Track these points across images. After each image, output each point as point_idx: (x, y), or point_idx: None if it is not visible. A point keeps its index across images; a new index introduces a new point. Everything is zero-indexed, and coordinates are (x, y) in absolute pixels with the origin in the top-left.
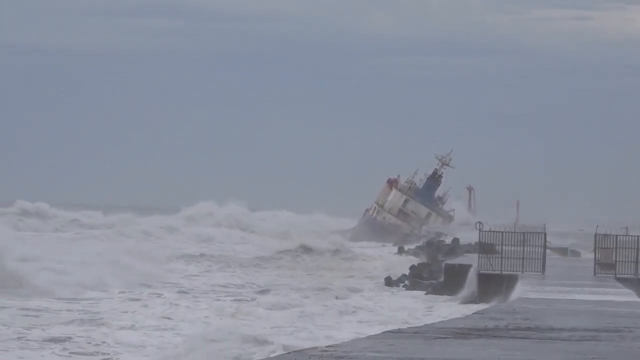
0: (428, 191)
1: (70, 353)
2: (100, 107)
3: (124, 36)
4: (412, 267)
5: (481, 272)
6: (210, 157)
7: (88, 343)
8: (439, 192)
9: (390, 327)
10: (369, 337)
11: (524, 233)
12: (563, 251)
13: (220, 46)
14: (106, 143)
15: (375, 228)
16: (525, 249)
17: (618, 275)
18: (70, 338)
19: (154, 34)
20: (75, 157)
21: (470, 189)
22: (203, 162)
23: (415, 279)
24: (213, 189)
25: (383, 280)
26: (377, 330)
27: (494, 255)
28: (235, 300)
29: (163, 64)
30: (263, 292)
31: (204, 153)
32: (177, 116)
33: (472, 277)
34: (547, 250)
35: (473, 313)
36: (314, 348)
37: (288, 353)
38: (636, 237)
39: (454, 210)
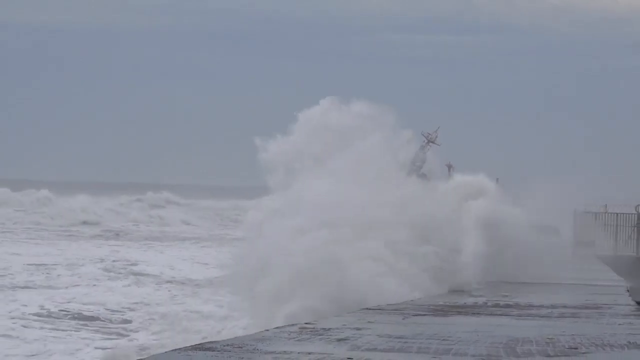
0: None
1: None
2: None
3: (108, 13)
4: None
5: None
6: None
7: None
8: (424, 169)
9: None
10: (348, 314)
11: None
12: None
13: (206, 23)
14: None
15: None
16: None
17: (597, 253)
18: None
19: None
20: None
21: (449, 166)
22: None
23: None
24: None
25: None
26: None
27: None
28: None
29: (150, 41)
30: None
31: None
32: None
33: None
34: None
35: (452, 290)
36: (293, 325)
37: (267, 330)
38: (615, 215)
39: None
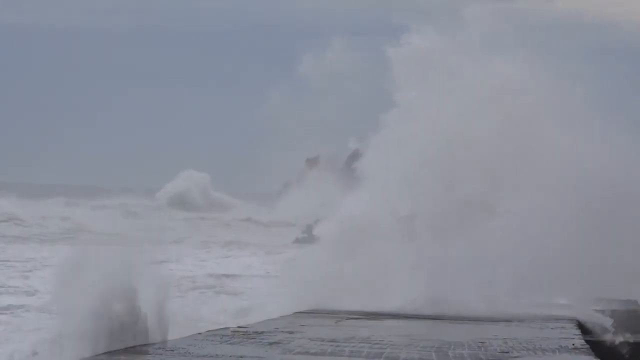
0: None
1: None
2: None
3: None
4: None
5: None
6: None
7: None
8: None
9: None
10: (281, 317)
11: None
12: None
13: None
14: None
15: None
16: None
17: None
18: None
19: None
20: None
21: None
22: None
23: None
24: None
25: None
26: None
27: None
28: None
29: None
30: None
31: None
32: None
33: None
34: None
35: None
36: (226, 328)
37: (199, 333)
38: None
39: None
